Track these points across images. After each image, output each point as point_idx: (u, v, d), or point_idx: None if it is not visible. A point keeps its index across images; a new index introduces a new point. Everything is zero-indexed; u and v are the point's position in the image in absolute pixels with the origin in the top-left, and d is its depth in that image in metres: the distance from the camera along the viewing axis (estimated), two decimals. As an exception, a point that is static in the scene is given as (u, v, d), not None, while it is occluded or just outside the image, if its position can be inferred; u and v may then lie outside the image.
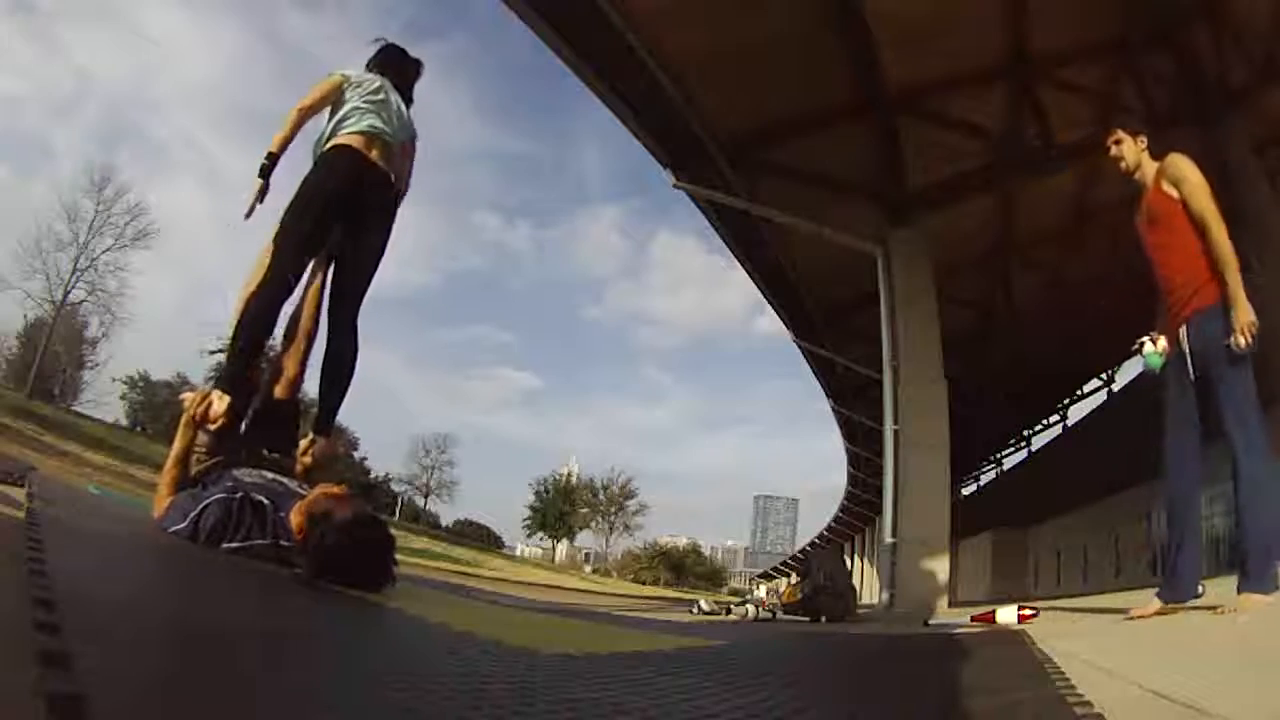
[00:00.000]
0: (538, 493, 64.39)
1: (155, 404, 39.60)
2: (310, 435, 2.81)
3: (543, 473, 73.99)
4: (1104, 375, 19.23)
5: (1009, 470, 26.05)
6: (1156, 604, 2.85)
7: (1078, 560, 17.67)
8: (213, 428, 2.53)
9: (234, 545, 2.16)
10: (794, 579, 7.74)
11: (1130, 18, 7.98)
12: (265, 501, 2.21)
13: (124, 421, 38.01)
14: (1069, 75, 8.46)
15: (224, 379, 2.60)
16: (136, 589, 1.35)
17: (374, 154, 2.80)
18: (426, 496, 57.42)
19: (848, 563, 34.82)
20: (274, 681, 0.82)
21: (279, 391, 2.81)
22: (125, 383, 39.27)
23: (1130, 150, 3.03)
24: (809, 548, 45.56)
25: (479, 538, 55.91)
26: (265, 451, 2.60)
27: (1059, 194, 10.43)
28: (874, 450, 15.90)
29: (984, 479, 28.30)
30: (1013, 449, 25.18)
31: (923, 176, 9.04)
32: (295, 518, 2.14)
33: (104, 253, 32.18)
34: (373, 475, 51.38)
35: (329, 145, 2.76)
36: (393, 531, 2.31)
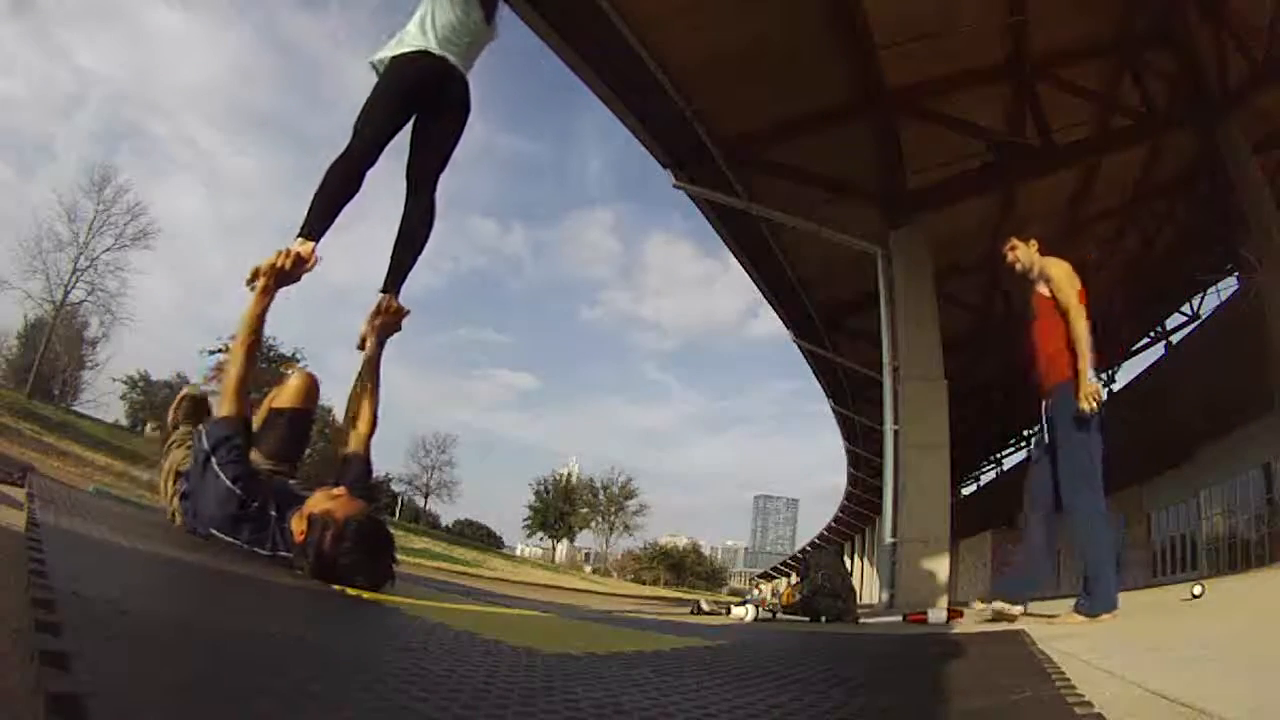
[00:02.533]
0: (538, 493, 64.51)
1: (155, 404, 39.61)
2: (382, 294, 2.78)
3: (542, 473, 74.10)
4: (1103, 375, 19.24)
5: (1009, 470, 26.06)
6: (1005, 606, 3.52)
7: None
8: (308, 268, 2.43)
9: (234, 543, 2.18)
10: (794, 579, 7.74)
11: (1130, 17, 7.98)
12: (272, 513, 2.22)
13: (124, 421, 38.02)
14: (1069, 75, 8.46)
15: (306, 227, 2.48)
16: (136, 589, 1.35)
17: (457, 61, 2.86)
18: (426, 496, 57.46)
19: (848, 563, 34.83)
20: (273, 681, 0.82)
21: (289, 401, 2.78)
22: (125, 383, 39.32)
23: (1024, 254, 3.58)
24: (809, 548, 45.56)
25: (479, 538, 55.96)
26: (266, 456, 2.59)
27: (1059, 193, 10.43)
28: (874, 450, 15.90)
29: (984, 479, 28.31)
30: (1013, 449, 25.19)
31: (923, 176, 9.04)
32: (297, 522, 2.14)
33: (104, 253, 32.25)
34: (373, 475, 51.28)
35: (412, 50, 2.78)
36: (392, 531, 2.32)
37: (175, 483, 2.48)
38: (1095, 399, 3.18)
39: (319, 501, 2.15)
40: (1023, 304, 3.70)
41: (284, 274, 2.39)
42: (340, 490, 2.24)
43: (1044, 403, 3.45)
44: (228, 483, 2.22)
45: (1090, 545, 3.20)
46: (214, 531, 2.21)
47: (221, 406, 2.42)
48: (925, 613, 5.06)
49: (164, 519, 2.61)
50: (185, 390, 2.89)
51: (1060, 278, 3.40)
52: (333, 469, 2.80)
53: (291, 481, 2.46)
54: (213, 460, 2.25)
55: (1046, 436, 3.42)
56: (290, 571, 2.10)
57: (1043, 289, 3.47)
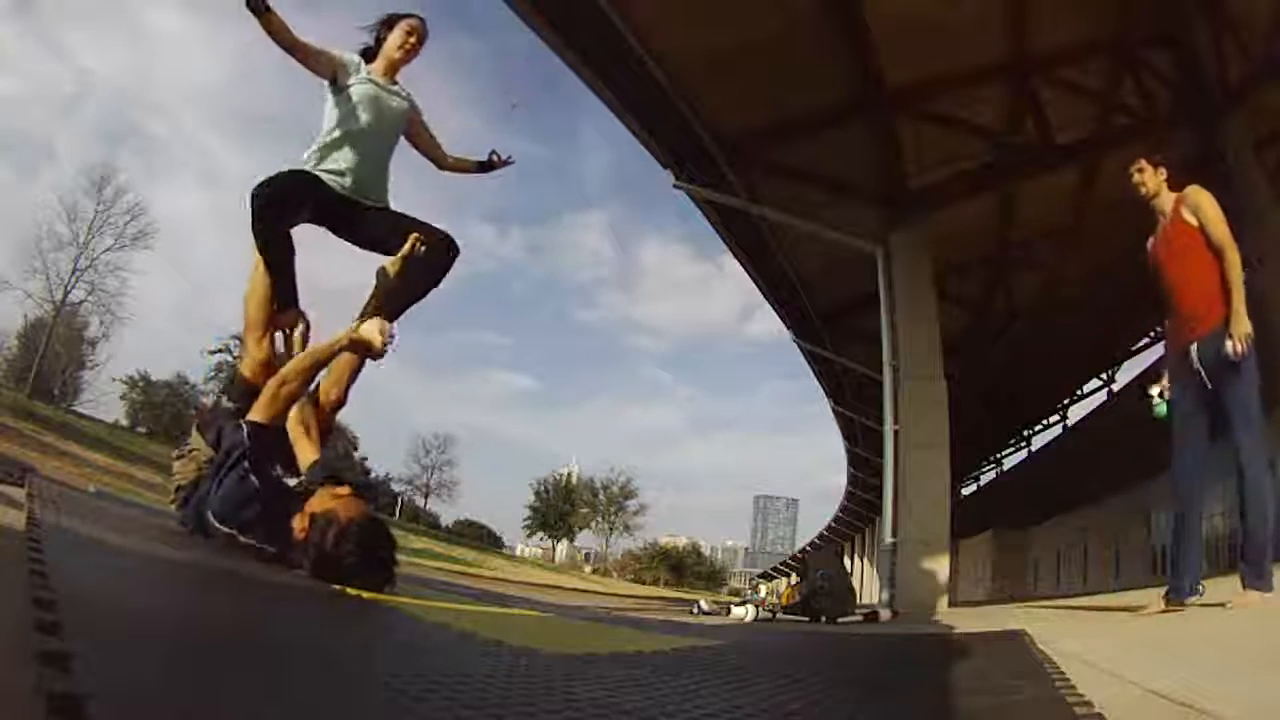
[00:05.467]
0: (538, 493, 64.51)
1: (155, 404, 39.62)
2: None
3: (542, 473, 74.13)
4: (1104, 375, 19.24)
5: (1009, 470, 26.05)
6: (1162, 603, 3.01)
7: (1078, 560, 17.69)
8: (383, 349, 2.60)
9: (244, 541, 2.19)
10: (794, 579, 7.75)
11: (1130, 17, 7.98)
12: (284, 514, 2.24)
13: (124, 421, 38.00)
14: (1069, 75, 8.45)
15: (279, 300, 2.68)
16: (136, 589, 1.35)
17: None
18: (426, 496, 57.46)
19: (848, 563, 34.77)
20: (273, 682, 0.82)
21: (251, 374, 2.71)
22: (125, 383, 39.29)
23: (1151, 179, 3.24)
24: (809, 548, 45.55)
25: (479, 538, 55.91)
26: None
27: (1059, 193, 10.42)
28: (874, 450, 15.89)
29: (984, 479, 28.31)
30: (1013, 449, 25.19)
31: (923, 176, 9.04)
32: (298, 520, 2.15)
33: (104, 253, 32.24)
34: (373, 475, 51.38)
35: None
36: (393, 532, 2.32)
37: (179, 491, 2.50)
38: (1246, 340, 2.85)
39: (322, 500, 2.15)
40: (1150, 231, 3.31)
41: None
42: (344, 490, 2.23)
43: (1193, 348, 3.02)
44: (255, 484, 2.24)
45: (1259, 508, 2.79)
46: (223, 526, 2.21)
47: (264, 409, 2.41)
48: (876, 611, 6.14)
49: (165, 519, 2.61)
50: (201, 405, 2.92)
51: (1211, 209, 3.06)
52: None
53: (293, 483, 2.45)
54: (245, 460, 2.26)
55: (1207, 384, 2.98)
56: (291, 571, 2.10)
57: (1189, 218, 3.09)
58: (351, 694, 0.82)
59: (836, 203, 9.08)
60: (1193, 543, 3.02)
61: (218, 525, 2.22)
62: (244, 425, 2.38)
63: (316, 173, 2.75)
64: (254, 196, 2.56)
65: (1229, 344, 2.85)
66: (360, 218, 2.81)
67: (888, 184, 8.94)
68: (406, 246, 2.70)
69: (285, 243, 2.69)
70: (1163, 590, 3.07)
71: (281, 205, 2.64)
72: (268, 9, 2.60)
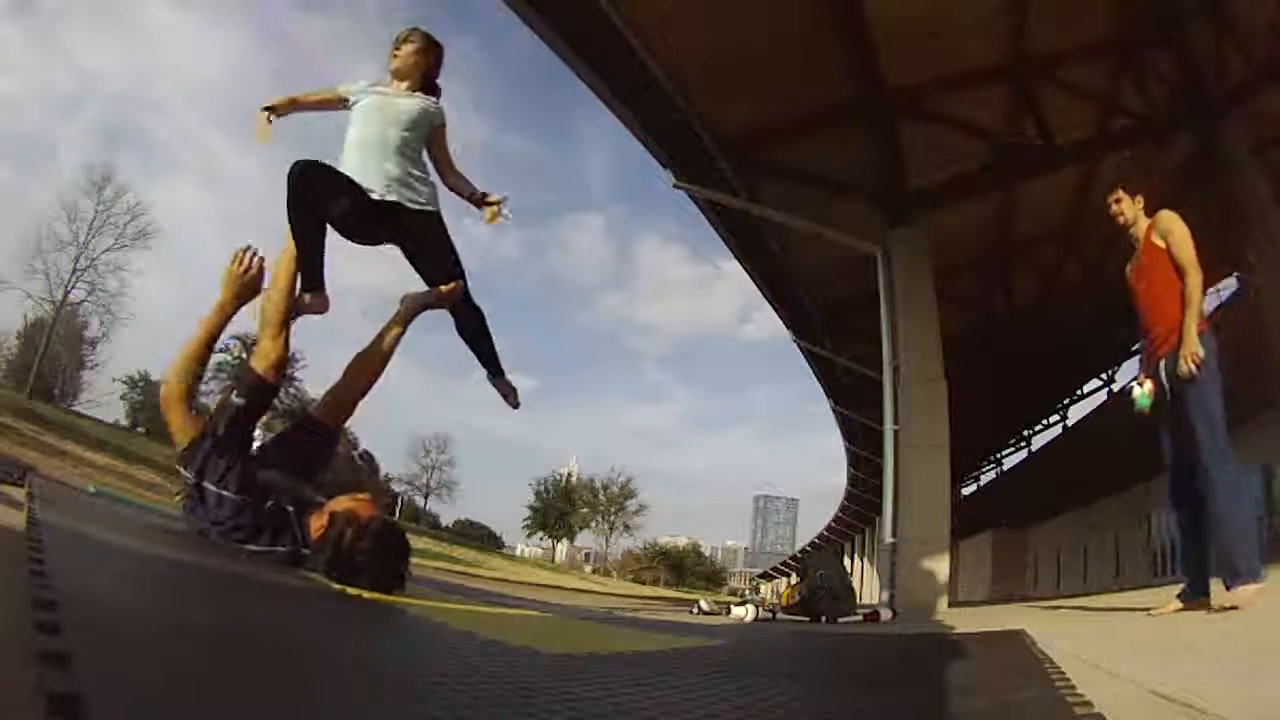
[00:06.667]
0: (538, 493, 64.60)
1: (155, 404, 39.57)
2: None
3: (542, 473, 74.20)
4: (1104, 375, 19.23)
5: (1009, 470, 26.03)
6: (1176, 604, 3.07)
7: (1078, 560, 17.70)
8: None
9: (256, 549, 2.19)
10: (794, 579, 7.74)
11: (1130, 18, 7.98)
12: (289, 509, 2.24)
13: (124, 421, 38.03)
14: (1069, 75, 8.46)
15: (305, 281, 2.70)
16: (137, 589, 1.35)
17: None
18: (426, 496, 57.51)
19: (847, 563, 34.75)
20: (274, 681, 0.82)
21: (264, 370, 2.65)
22: (125, 383, 39.34)
23: (1129, 208, 3.41)
24: (809, 548, 45.55)
25: (479, 538, 55.98)
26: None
27: (1059, 194, 10.43)
28: (874, 450, 15.89)
29: (984, 479, 28.30)
30: (1013, 449, 25.17)
31: (923, 176, 9.03)
32: (315, 519, 2.19)
33: (104, 253, 32.29)
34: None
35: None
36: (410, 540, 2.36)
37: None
38: (1195, 360, 2.97)
39: (342, 502, 2.22)
40: (1129, 255, 3.48)
41: (246, 286, 2.65)
42: (365, 495, 2.31)
43: (1162, 366, 3.19)
44: (234, 498, 2.23)
45: (1233, 514, 2.91)
46: (237, 544, 2.21)
47: (180, 435, 2.42)
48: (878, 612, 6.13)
49: (165, 519, 2.61)
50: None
51: (1179, 233, 3.21)
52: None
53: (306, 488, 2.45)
54: (206, 486, 2.25)
55: (1169, 403, 3.16)
56: (297, 571, 2.11)
57: (1158, 241, 3.25)
58: (351, 694, 0.82)
59: (836, 203, 9.08)
60: (1197, 547, 3.11)
61: (239, 544, 2.22)
62: (181, 469, 2.36)
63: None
64: (290, 172, 2.59)
65: (1180, 365, 3.01)
66: (394, 219, 2.83)
67: (888, 184, 8.94)
68: (446, 288, 2.87)
69: (317, 223, 2.71)
70: (1167, 590, 3.12)
71: (316, 184, 2.68)
72: (272, 109, 2.80)
